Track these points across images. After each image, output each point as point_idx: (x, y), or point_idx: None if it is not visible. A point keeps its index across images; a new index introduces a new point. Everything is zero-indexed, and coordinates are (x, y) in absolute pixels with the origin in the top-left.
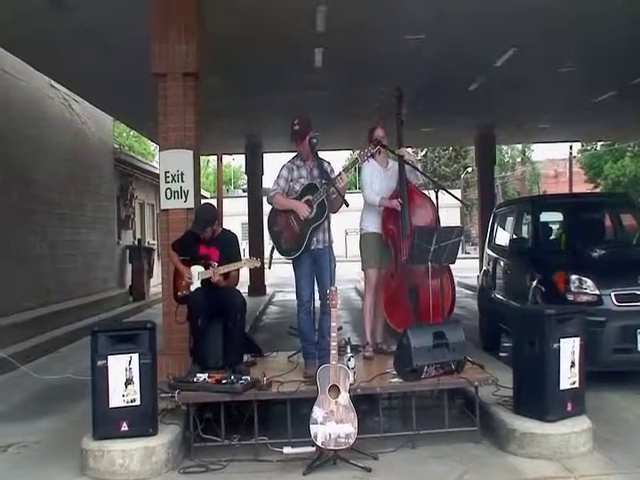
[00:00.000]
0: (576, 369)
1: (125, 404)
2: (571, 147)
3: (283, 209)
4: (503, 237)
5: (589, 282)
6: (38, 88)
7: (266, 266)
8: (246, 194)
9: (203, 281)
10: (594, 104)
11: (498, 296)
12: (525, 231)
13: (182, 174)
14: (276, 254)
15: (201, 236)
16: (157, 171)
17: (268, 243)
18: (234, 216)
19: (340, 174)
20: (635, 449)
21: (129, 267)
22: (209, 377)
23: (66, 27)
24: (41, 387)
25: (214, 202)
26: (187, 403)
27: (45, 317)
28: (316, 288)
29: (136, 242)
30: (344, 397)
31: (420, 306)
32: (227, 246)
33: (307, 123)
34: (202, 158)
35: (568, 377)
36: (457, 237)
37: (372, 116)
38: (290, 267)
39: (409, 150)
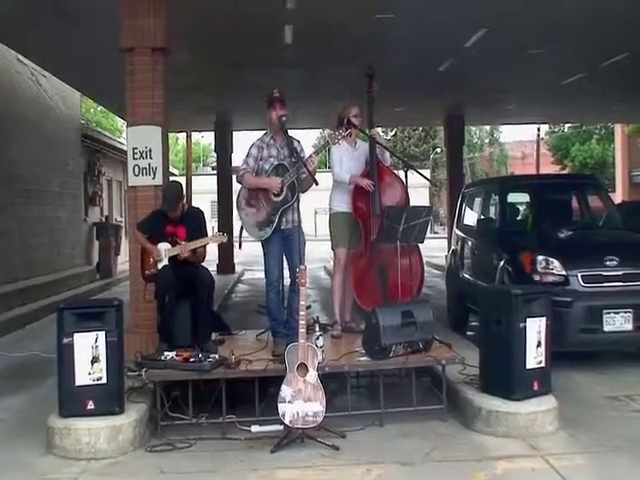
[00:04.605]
0: (542, 349)
1: (91, 382)
2: (539, 129)
3: (253, 188)
4: (471, 217)
5: (556, 263)
6: (5, 63)
7: (236, 245)
8: (215, 172)
9: (170, 259)
10: (563, 86)
11: (466, 276)
12: (493, 211)
13: (150, 151)
14: (245, 233)
15: (171, 215)
16: (125, 147)
17: (238, 221)
18: (203, 194)
19: (311, 156)
20: (599, 428)
21: (96, 244)
22: (177, 355)
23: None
24: (7, 364)
25: (183, 180)
26: (154, 381)
27: (11, 294)
28: (285, 267)
29: (103, 219)
30: (312, 375)
31: (389, 285)
32: (194, 223)
33: (284, 96)
34: (171, 135)
35: (534, 356)
36: (426, 217)
37: (343, 95)
38: (259, 245)
39: (378, 130)
